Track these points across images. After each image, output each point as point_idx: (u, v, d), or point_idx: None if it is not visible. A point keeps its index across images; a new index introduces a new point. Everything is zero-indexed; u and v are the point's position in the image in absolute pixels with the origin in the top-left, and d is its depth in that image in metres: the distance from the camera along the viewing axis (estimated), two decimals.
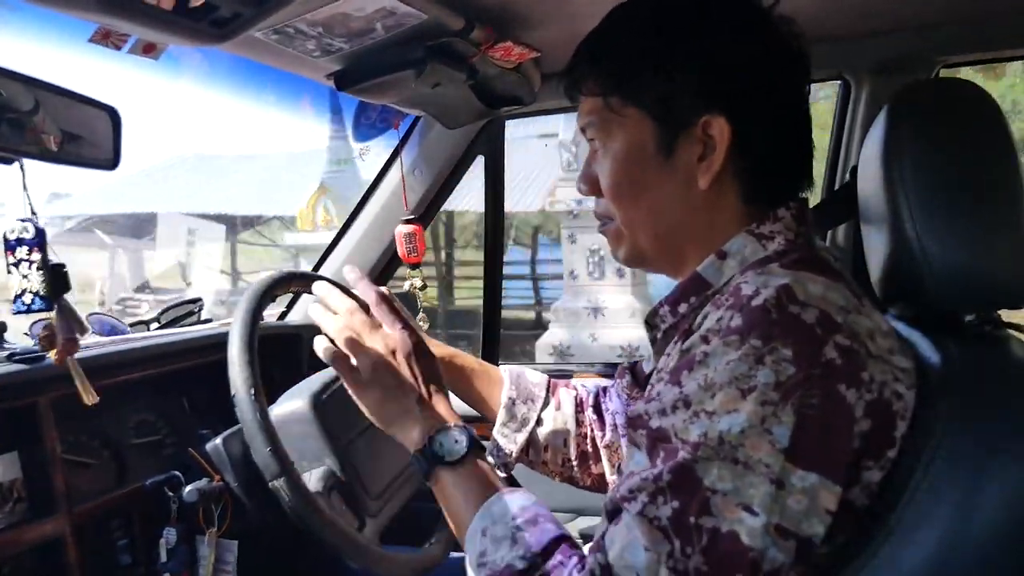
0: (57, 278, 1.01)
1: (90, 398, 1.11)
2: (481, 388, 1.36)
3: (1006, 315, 0.89)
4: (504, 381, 1.35)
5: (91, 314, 1.98)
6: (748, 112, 0.87)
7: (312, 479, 1.18)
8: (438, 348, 1.38)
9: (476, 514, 0.92)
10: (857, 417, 0.73)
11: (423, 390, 1.03)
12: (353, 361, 1.03)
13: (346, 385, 1.04)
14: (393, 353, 1.04)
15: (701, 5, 0.90)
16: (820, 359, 0.73)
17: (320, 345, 1.05)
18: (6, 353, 1.31)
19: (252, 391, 1.08)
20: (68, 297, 1.06)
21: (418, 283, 1.84)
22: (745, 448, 0.72)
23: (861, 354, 0.74)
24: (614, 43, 0.93)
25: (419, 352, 1.05)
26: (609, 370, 1.99)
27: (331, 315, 1.07)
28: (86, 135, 1.10)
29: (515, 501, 0.92)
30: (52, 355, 1.08)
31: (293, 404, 1.23)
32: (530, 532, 0.87)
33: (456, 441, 0.98)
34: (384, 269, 2.06)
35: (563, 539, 0.87)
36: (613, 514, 0.80)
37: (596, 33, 0.95)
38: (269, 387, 1.14)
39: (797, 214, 0.90)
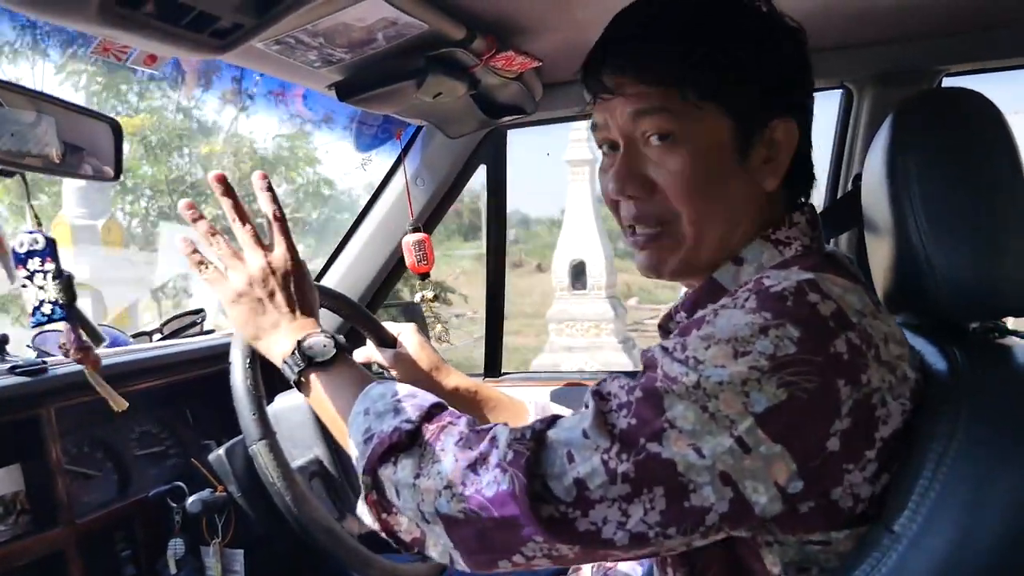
0: (69, 287, 1.01)
1: (119, 404, 1.10)
2: (506, 419, 1.34)
3: (1012, 323, 0.89)
4: (529, 413, 1.34)
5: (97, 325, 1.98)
6: (801, 116, 0.90)
7: (296, 461, 1.18)
8: (463, 380, 1.37)
9: (356, 400, 0.95)
10: (842, 414, 0.73)
11: (294, 310, 1.05)
12: (226, 270, 1.05)
13: (215, 291, 1.06)
14: (272, 272, 1.05)
15: (759, 13, 0.90)
16: (828, 349, 0.73)
17: (186, 248, 1.06)
18: (8, 365, 1.31)
19: (247, 359, 1.08)
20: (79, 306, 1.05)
21: (429, 294, 1.82)
22: (718, 401, 0.72)
23: (868, 357, 0.74)
24: (701, 34, 0.87)
25: (299, 276, 1.07)
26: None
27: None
28: (88, 147, 1.10)
29: (391, 385, 0.97)
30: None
31: (290, 397, 1.24)
32: (411, 402, 0.91)
33: (324, 345, 1.01)
34: (387, 280, 2.06)
35: (443, 405, 0.93)
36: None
37: (662, 14, 0.89)
38: (270, 391, 1.15)
39: (811, 219, 0.91)
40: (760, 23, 0.89)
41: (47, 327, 1.09)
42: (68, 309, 1.00)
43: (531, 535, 0.77)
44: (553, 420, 0.82)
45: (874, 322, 0.77)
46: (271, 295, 1.05)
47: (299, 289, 1.07)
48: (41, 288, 0.99)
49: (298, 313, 1.06)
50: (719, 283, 0.91)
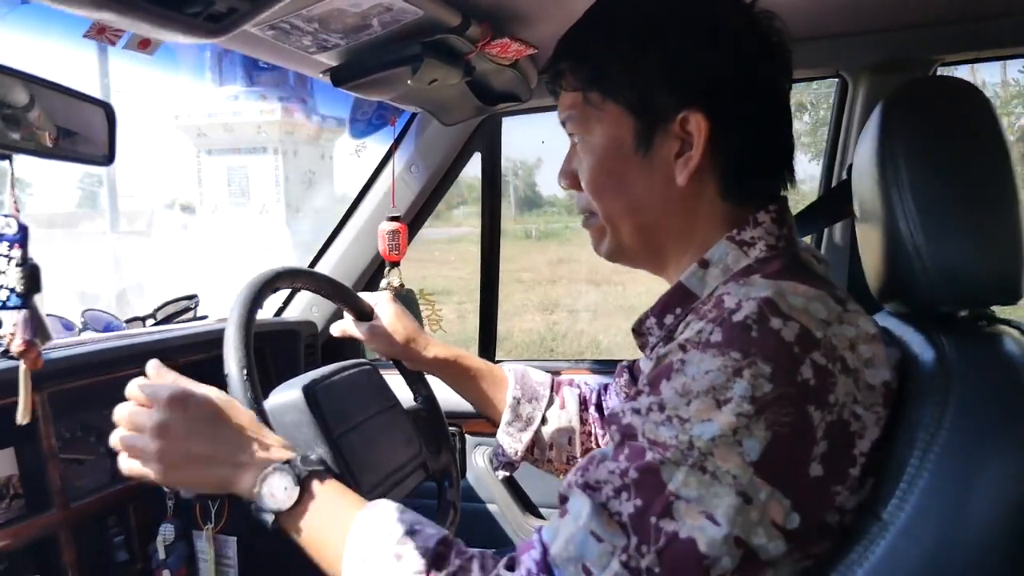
0: (32, 277, 0.98)
1: (24, 415, 1.01)
2: (486, 389, 1.37)
3: (1000, 311, 0.89)
4: (508, 381, 1.35)
5: (86, 310, 1.98)
6: (725, 108, 0.87)
7: None
8: (442, 349, 1.38)
9: (346, 545, 0.87)
10: (817, 438, 0.73)
11: (207, 441, 0.94)
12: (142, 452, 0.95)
13: (160, 483, 0.96)
14: (165, 428, 0.93)
15: (675, 1, 0.90)
16: (796, 378, 0.73)
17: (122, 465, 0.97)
18: (1, 349, 1.30)
19: (244, 371, 1.09)
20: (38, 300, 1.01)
21: (395, 282, 1.84)
22: (715, 458, 0.71)
23: (835, 373, 0.74)
24: (592, 39, 0.93)
25: (190, 398, 0.96)
26: (600, 367, 1.99)
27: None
28: (81, 131, 1.10)
29: (380, 517, 0.88)
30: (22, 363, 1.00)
31: (286, 394, 1.24)
32: (410, 545, 0.83)
33: (284, 487, 0.90)
34: (380, 266, 2.06)
35: (448, 541, 0.85)
36: (564, 500, 0.79)
37: (575, 29, 0.96)
38: (265, 382, 1.14)
39: (777, 217, 0.90)
40: (659, 22, 0.89)
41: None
42: (24, 299, 0.98)
43: None
44: (543, 540, 0.78)
45: (840, 328, 0.77)
46: (182, 445, 0.93)
47: (203, 416, 0.95)
48: (1, 273, 0.98)
49: (227, 449, 0.94)
50: (687, 288, 0.91)
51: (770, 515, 0.72)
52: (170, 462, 0.93)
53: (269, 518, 0.91)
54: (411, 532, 0.85)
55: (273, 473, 0.91)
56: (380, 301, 1.42)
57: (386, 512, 0.89)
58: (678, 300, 0.92)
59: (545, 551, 0.76)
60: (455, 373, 1.38)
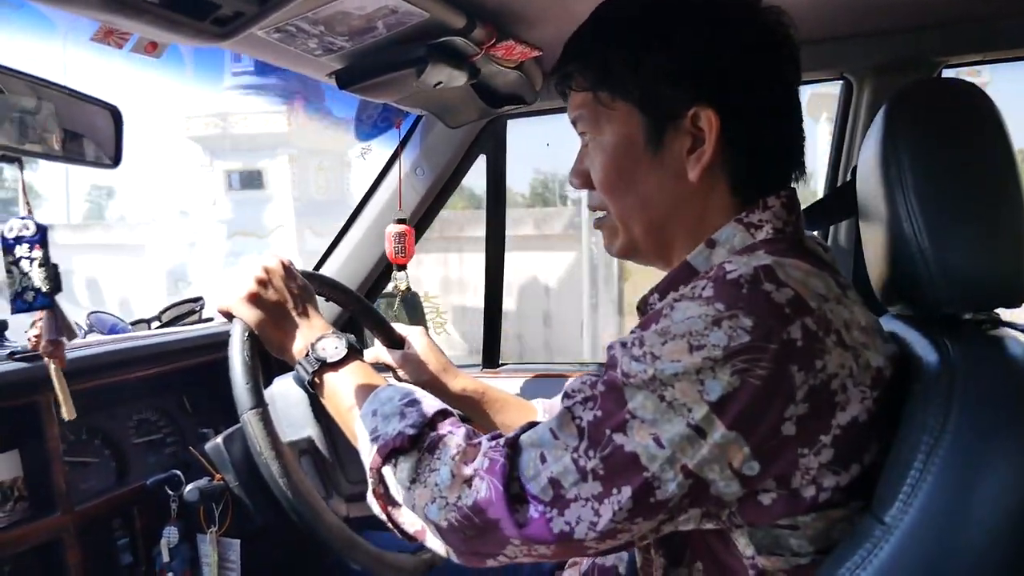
0: (55, 277, 0.99)
1: (69, 412, 1.05)
2: (513, 421, 1.36)
3: (1004, 314, 0.89)
4: (537, 412, 1.36)
5: (91, 312, 1.98)
6: (735, 103, 0.88)
7: (288, 438, 1.18)
8: (470, 382, 1.38)
9: (365, 401, 1.00)
10: (797, 399, 0.74)
11: (296, 306, 1.12)
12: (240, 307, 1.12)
13: (252, 328, 1.11)
14: (266, 284, 1.11)
15: (666, 8, 0.91)
16: (780, 335, 0.74)
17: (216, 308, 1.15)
18: (7, 351, 1.31)
19: (246, 333, 1.10)
20: (59, 299, 1.02)
21: (403, 285, 1.84)
22: (674, 389, 0.75)
23: (827, 343, 0.75)
24: (600, 38, 0.94)
25: (289, 274, 1.15)
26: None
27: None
28: (89, 134, 1.10)
29: (400, 388, 1.02)
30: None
31: (286, 379, 1.25)
32: (417, 408, 0.96)
33: (336, 347, 1.07)
34: (385, 270, 2.06)
35: (448, 412, 0.97)
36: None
37: (583, 29, 0.97)
38: (267, 375, 1.15)
39: (787, 203, 0.91)
40: (664, 18, 0.90)
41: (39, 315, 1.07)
42: (50, 299, 0.99)
43: (510, 538, 0.81)
44: (530, 425, 0.86)
45: (836, 307, 0.78)
46: (269, 304, 1.10)
47: (294, 287, 1.14)
48: (25, 275, 0.98)
49: (303, 312, 1.12)
50: (693, 266, 0.92)
51: (728, 456, 0.75)
52: (253, 315, 1.10)
53: (311, 369, 1.06)
54: (419, 400, 0.98)
55: (331, 335, 1.08)
56: (413, 332, 1.43)
57: (405, 387, 1.03)
58: (683, 278, 0.92)
59: (519, 433, 0.85)
60: (482, 405, 1.37)
